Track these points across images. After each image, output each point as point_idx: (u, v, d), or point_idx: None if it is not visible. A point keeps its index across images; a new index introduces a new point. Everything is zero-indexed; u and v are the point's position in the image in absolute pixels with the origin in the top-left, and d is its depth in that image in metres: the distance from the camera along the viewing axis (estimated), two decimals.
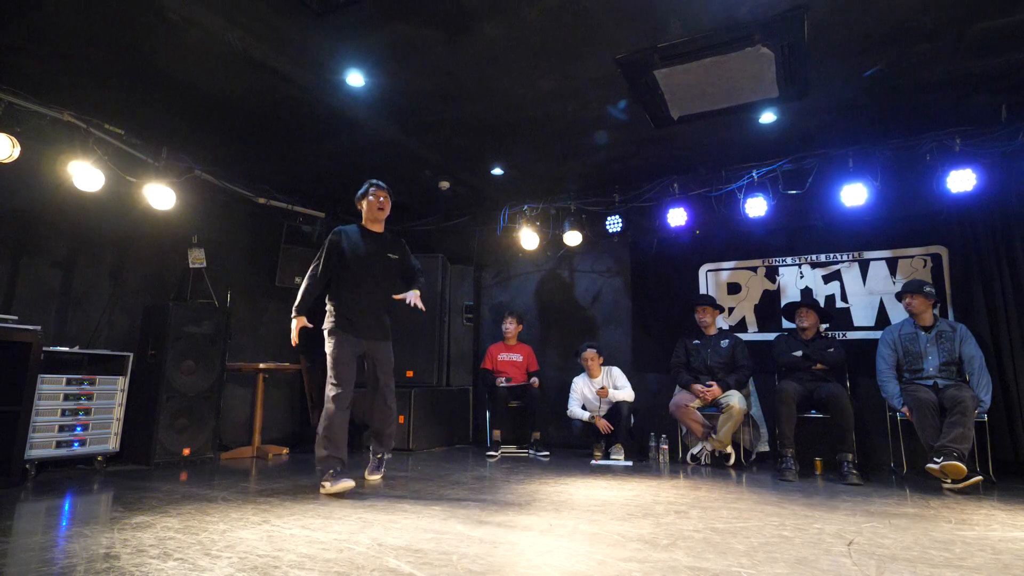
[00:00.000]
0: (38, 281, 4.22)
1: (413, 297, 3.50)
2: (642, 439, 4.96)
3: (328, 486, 3.22)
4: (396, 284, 3.67)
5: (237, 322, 5.34)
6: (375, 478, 3.72)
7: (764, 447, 4.60)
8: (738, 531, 2.48)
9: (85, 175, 3.99)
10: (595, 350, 4.98)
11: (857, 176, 4.47)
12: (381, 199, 3.59)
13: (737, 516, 2.77)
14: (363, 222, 3.64)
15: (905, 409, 3.89)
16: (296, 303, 3.47)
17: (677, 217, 5.09)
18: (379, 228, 3.67)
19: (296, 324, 3.46)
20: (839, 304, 4.84)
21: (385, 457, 3.81)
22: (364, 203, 3.61)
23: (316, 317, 3.59)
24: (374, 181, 3.65)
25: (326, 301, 3.53)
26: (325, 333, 3.45)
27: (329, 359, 3.39)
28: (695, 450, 4.64)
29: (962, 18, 3.06)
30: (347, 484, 3.21)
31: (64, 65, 3.55)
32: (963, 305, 4.38)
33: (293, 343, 3.50)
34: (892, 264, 4.71)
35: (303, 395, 6.04)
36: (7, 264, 4.07)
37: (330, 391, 3.34)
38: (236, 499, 3.08)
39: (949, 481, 3.51)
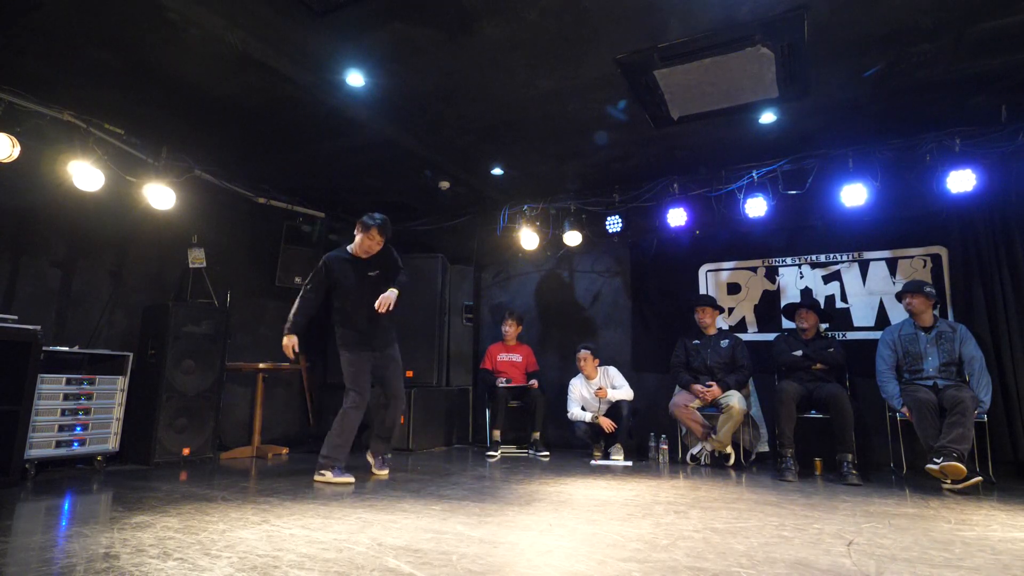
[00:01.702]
0: (38, 281, 4.22)
1: (380, 302, 3.60)
2: (642, 439, 4.96)
3: (330, 476, 3.56)
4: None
5: (237, 322, 5.34)
6: (384, 472, 3.90)
7: (764, 447, 4.60)
8: (738, 531, 2.48)
9: (85, 175, 3.99)
10: (590, 351, 4.98)
11: (857, 176, 4.47)
12: (377, 240, 3.73)
13: (737, 516, 2.77)
14: (353, 248, 3.82)
15: (905, 409, 3.89)
16: (289, 320, 3.69)
17: (677, 217, 5.09)
18: (365, 256, 3.84)
19: (287, 342, 3.65)
20: (839, 304, 4.84)
21: (386, 456, 4.05)
22: (361, 236, 3.75)
23: (313, 321, 3.74)
24: (377, 221, 3.71)
25: (335, 324, 3.82)
26: (339, 348, 3.75)
27: (346, 371, 3.70)
28: (695, 450, 4.64)
29: (962, 18, 3.06)
30: (349, 479, 3.57)
31: (64, 65, 3.55)
32: (963, 305, 4.38)
33: (289, 356, 3.68)
34: (892, 264, 4.71)
35: (303, 395, 6.06)
36: (7, 264, 4.07)
37: (350, 400, 3.67)
38: (236, 499, 3.08)
39: (949, 481, 3.51)
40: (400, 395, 3.89)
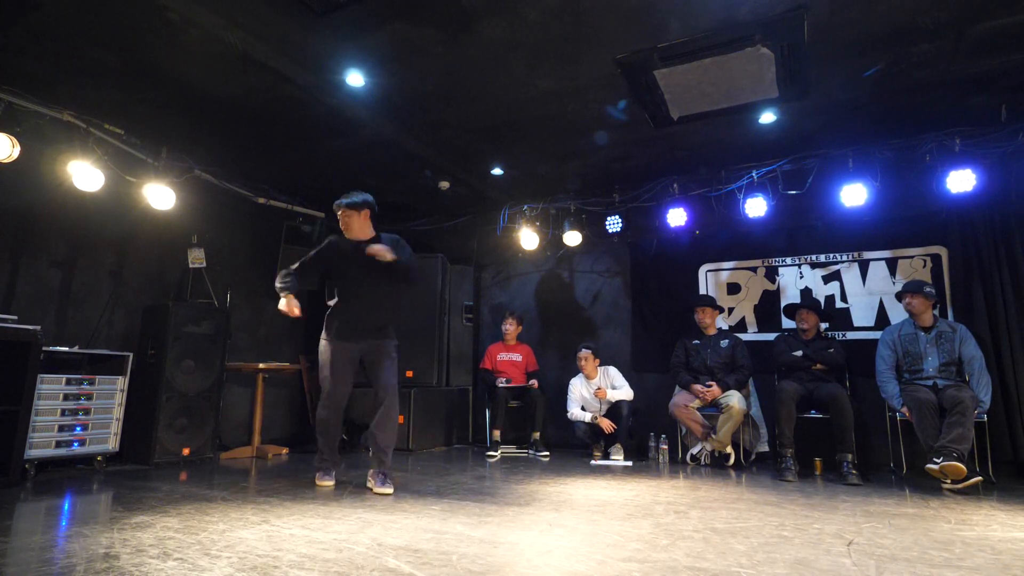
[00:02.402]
0: (38, 281, 4.22)
1: (380, 248, 3.32)
2: (642, 439, 4.96)
3: (316, 479, 3.57)
4: (390, 282, 3.52)
5: (237, 322, 5.34)
6: (385, 491, 3.32)
7: (764, 447, 4.60)
8: (738, 531, 2.48)
9: (85, 175, 3.98)
10: (590, 351, 4.98)
11: (857, 176, 4.47)
12: (342, 220, 3.51)
13: (737, 516, 2.77)
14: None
15: (905, 409, 3.89)
16: (279, 280, 3.42)
17: (677, 217, 5.09)
18: (363, 237, 3.58)
19: (286, 304, 3.37)
20: (839, 304, 4.84)
21: (389, 472, 3.47)
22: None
23: (313, 320, 3.58)
24: (337, 200, 3.52)
25: (327, 313, 3.61)
26: (321, 340, 3.55)
27: (319, 362, 3.54)
28: (695, 450, 4.63)
29: (962, 18, 3.06)
30: (327, 483, 3.52)
31: (64, 65, 3.55)
32: (963, 305, 4.38)
33: (294, 314, 3.40)
34: (892, 264, 4.71)
35: (303, 395, 6.06)
36: (7, 264, 4.07)
37: (320, 399, 3.56)
38: (236, 499, 3.08)
39: (949, 481, 3.51)
40: (389, 393, 3.41)
